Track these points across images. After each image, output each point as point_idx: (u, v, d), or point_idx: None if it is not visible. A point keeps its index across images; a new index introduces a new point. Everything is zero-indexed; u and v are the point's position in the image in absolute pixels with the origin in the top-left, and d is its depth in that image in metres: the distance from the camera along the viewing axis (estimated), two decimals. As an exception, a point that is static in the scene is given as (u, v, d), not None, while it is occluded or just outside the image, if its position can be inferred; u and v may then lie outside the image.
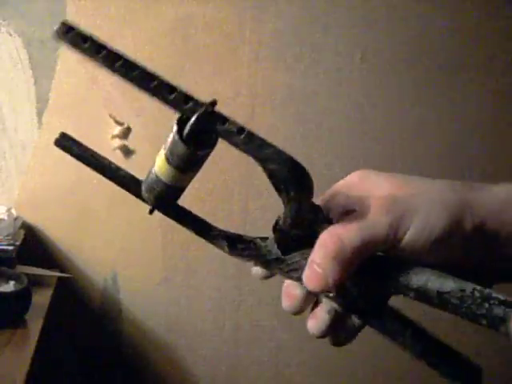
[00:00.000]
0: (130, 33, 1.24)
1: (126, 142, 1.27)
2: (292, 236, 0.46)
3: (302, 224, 0.46)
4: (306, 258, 0.44)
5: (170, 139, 0.42)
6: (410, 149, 1.39)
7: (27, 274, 1.00)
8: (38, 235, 1.25)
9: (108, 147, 1.26)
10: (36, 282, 1.08)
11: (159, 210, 0.48)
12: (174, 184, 0.46)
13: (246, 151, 0.39)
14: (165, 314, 1.34)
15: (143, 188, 0.48)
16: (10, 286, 0.96)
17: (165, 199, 0.46)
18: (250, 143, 0.40)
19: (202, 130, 0.41)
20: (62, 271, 1.22)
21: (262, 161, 0.40)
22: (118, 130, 1.25)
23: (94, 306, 1.30)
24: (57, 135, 0.44)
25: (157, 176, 0.46)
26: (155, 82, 0.41)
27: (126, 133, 1.26)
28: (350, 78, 1.34)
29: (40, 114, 1.23)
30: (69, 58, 1.22)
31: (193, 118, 0.39)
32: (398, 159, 1.38)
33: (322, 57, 1.32)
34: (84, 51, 0.38)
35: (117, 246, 1.30)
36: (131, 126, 1.26)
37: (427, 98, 1.37)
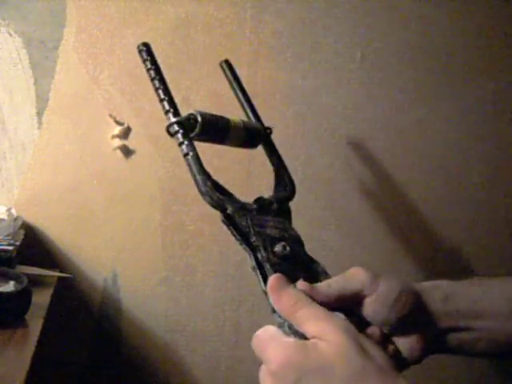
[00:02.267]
0: (130, 33, 1.24)
1: (126, 142, 1.27)
2: None
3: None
4: None
5: None
6: (410, 149, 1.39)
7: (27, 274, 1.00)
8: (38, 235, 1.25)
9: (108, 147, 1.26)
10: (36, 282, 1.08)
11: None
12: None
13: None
14: (165, 314, 1.34)
15: None
16: (9, 286, 0.96)
17: None
18: None
19: None
20: (61, 271, 1.22)
21: None
22: (117, 129, 1.25)
23: (93, 306, 1.30)
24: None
25: None
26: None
27: (126, 133, 1.26)
28: (350, 78, 1.34)
29: (40, 114, 1.23)
30: (69, 57, 1.22)
31: None
32: (398, 159, 1.38)
33: (322, 57, 1.32)
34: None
35: (117, 246, 1.30)
36: (131, 126, 1.26)
37: (427, 98, 1.37)
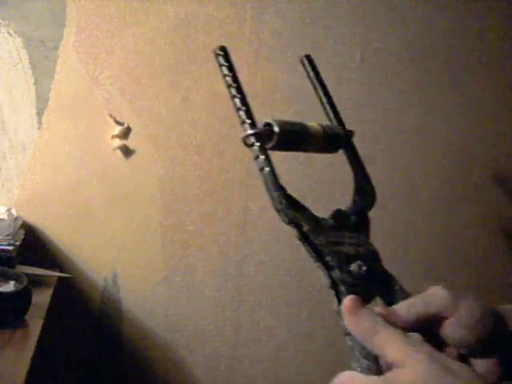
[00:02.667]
0: (130, 33, 1.24)
1: (125, 142, 1.27)
2: None
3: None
4: None
5: None
6: (410, 149, 1.39)
7: (27, 274, 1.00)
8: (38, 235, 1.25)
9: (108, 147, 1.26)
10: (36, 282, 1.08)
11: None
12: None
13: None
14: (165, 314, 1.34)
15: None
16: (10, 286, 0.96)
17: None
18: None
19: None
20: (61, 271, 1.22)
21: None
22: (117, 129, 1.25)
23: (93, 306, 1.30)
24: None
25: None
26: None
27: (126, 133, 1.26)
28: (350, 78, 1.34)
29: (40, 114, 1.23)
30: (69, 57, 1.22)
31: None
32: (399, 159, 1.38)
33: (322, 57, 1.32)
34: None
35: (117, 246, 1.30)
36: (131, 126, 1.26)
37: (427, 98, 1.37)
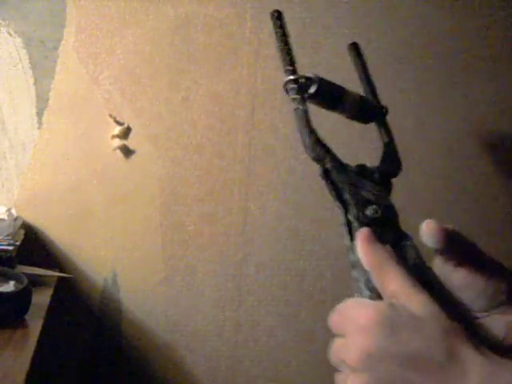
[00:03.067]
0: (130, 33, 1.24)
1: (125, 142, 1.27)
2: None
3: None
4: None
5: None
6: (410, 149, 1.39)
7: (27, 274, 1.00)
8: (38, 235, 1.25)
9: (108, 147, 1.26)
10: (36, 282, 1.08)
11: None
12: None
13: None
14: (165, 314, 1.34)
15: None
16: (9, 286, 0.96)
17: None
18: None
19: None
20: (61, 271, 1.22)
21: None
22: (117, 129, 1.25)
23: (93, 306, 1.30)
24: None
25: None
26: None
27: (126, 133, 1.26)
28: (350, 78, 1.33)
29: (40, 114, 1.23)
30: (69, 57, 1.22)
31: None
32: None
33: (322, 57, 1.32)
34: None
35: (117, 246, 1.30)
36: (131, 126, 1.26)
37: (427, 99, 1.37)
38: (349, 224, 0.60)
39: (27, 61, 1.21)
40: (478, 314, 0.55)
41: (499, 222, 1.44)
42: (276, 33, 0.78)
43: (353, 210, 0.61)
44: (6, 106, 1.22)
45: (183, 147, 1.29)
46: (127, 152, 1.27)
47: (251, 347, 1.39)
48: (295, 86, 0.71)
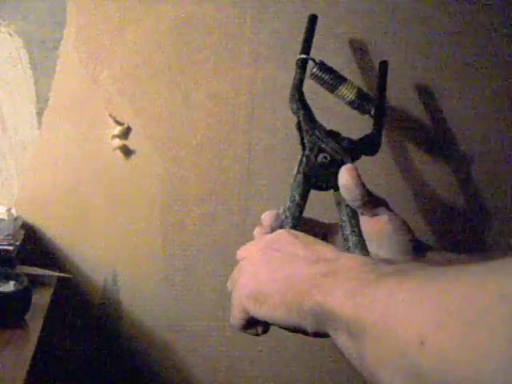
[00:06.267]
0: (130, 33, 1.24)
1: (126, 142, 1.27)
2: None
3: None
4: None
5: None
6: (410, 149, 1.39)
7: (27, 274, 1.00)
8: (38, 235, 1.25)
9: (108, 147, 1.26)
10: (36, 282, 1.08)
11: None
12: None
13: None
14: (165, 314, 1.34)
15: None
16: (9, 286, 0.96)
17: None
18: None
19: None
20: (61, 271, 1.22)
21: None
22: (117, 129, 1.25)
23: (93, 306, 1.30)
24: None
25: None
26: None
27: (125, 133, 1.26)
28: (351, 78, 1.33)
29: (40, 114, 1.23)
30: (69, 57, 1.22)
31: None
32: (398, 159, 1.38)
33: (322, 57, 1.32)
34: None
35: (117, 246, 1.30)
36: (131, 126, 1.26)
37: (427, 99, 1.37)
38: (300, 161, 0.80)
39: (27, 61, 1.21)
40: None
41: (500, 223, 1.44)
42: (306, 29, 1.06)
43: (306, 153, 0.80)
44: (6, 106, 1.22)
45: (183, 147, 1.29)
46: (127, 152, 1.27)
47: (251, 347, 1.39)
48: (300, 63, 0.97)
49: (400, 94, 1.35)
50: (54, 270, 1.19)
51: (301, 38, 1.30)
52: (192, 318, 1.36)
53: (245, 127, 1.31)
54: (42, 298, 1.04)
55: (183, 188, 1.31)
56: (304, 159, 0.79)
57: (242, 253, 0.71)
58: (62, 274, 1.19)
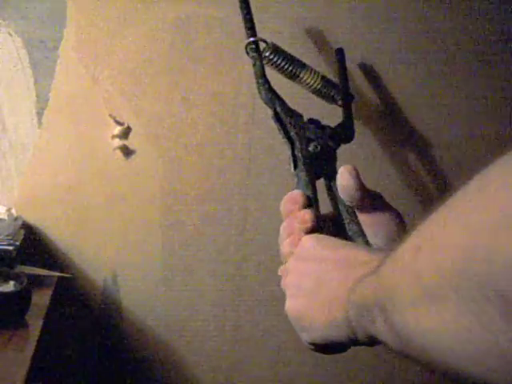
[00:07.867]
0: (130, 33, 1.24)
1: (126, 142, 1.27)
2: None
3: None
4: None
5: None
6: (410, 149, 1.39)
7: (27, 274, 1.00)
8: (38, 235, 1.25)
9: (108, 147, 1.26)
10: (36, 282, 1.08)
11: None
12: None
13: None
14: (165, 314, 1.34)
15: None
16: (9, 286, 0.96)
17: None
18: None
19: None
20: (61, 271, 1.22)
21: None
22: (117, 129, 1.25)
23: (93, 306, 1.31)
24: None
25: None
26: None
27: (126, 133, 1.26)
28: (350, 78, 1.34)
29: (40, 114, 1.23)
30: (69, 57, 1.22)
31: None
32: (398, 159, 1.38)
33: (322, 57, 1.32)
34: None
35: (117, 246, 1.30)
36: (131, 126, 1.26)
37: (427, 99, 1.37)
38: (294, 157, 0.74)
39: (27, 61, 1.21)
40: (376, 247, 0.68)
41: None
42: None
43: (297, 146, 0.74)
44: (6, 106, 1.22)
45: (183, 147, 1.29)
46: (127, 152, 1.27)
47: (251, 347, 1.39)
48: (254, 46, 0.89)
49: (400, 94, 1.36)
50: (54, 270, 1.19)
51: (301, 38, 1.31)
52: (192, 318, 1.36)
53: (245, 127, 1.31)
54: (41, 298, 1.04)
55: (183, 188, 1.31)
56: (299, 154, 0.73)
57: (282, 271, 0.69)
58: (62, 274, 1.19)
